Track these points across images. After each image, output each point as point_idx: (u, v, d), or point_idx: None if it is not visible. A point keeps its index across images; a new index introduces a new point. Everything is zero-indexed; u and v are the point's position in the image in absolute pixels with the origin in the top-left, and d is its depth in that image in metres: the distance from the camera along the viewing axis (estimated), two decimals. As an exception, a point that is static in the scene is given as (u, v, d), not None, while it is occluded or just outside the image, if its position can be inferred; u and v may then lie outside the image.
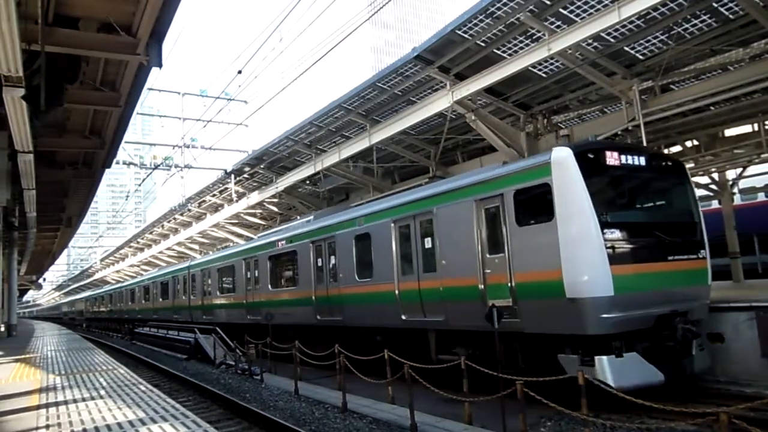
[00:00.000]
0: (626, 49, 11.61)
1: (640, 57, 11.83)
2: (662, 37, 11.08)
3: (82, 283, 73.55)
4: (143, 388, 8.83)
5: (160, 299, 28.89)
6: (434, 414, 8.19)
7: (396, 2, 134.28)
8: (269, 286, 16.79)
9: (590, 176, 8.01)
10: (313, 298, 14.04)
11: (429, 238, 10.41)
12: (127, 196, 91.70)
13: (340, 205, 18.56)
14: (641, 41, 11.36)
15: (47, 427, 6.30)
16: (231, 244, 28.75)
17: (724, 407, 4.72)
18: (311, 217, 15.85)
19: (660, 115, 12.01)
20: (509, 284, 8.60)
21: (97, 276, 64.15)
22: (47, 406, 7.56)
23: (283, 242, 16.02)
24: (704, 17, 10.43)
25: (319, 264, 14.10)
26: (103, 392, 8.58)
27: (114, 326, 40.68)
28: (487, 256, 9.10)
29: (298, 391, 11.12)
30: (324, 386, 11.67)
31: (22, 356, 15.07)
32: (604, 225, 7.84)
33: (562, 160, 8.10)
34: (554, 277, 7.85)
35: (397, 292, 11.10)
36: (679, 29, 10.55)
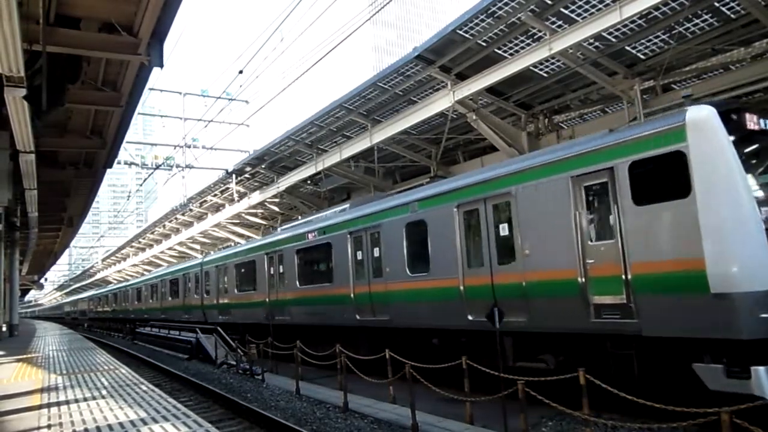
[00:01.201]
0: (627, 48, 11.60)
1: (642, 56, 11.82)
2: (663, 37, 11.07)
3: (83, 283, 73.64)
4: (144, 388, 8.83)
5: (170, 298, 27.60)
6: (436, 414, 8.19)
7: (397, 1, 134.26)
8: (297, 283, 15.09)
9: (737, 141, 6.56)
10: (352, 295, 12.56)
11: (505, 224, 8.92)
12: (129, 196, 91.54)
13: (379, 194, 16.62)
14: (642, 41, 11.35)
15: (49, 426, 6.31)
16: (232, 244, 28.64)
17: (726, 407, 4.71)
18: (346, 206, 14.25)
19: (661, 114, 12.00)
20: (623, 277, 7.17)
21: (98, 276, 64.24)
22: (49, 405, 7.57)
23: (314, 234, 14.36)
24: (705, 16, 10.42)
25: (359, 257, 12.55)
26: (104, 392, 8.58)
27: (118, 326, 39.70)
28: (589, 243, 7.66)
29: (299, 390, 11.12)
30: (325, 386, 11.67)
31: (24, 356, 15.09)
32: (762, 202, 6.41)
33: (703, 121, 6.61)
34: (693, 268, 6.41)
35: (461, 287, 9.54)
36: (681, 29, 10.53)
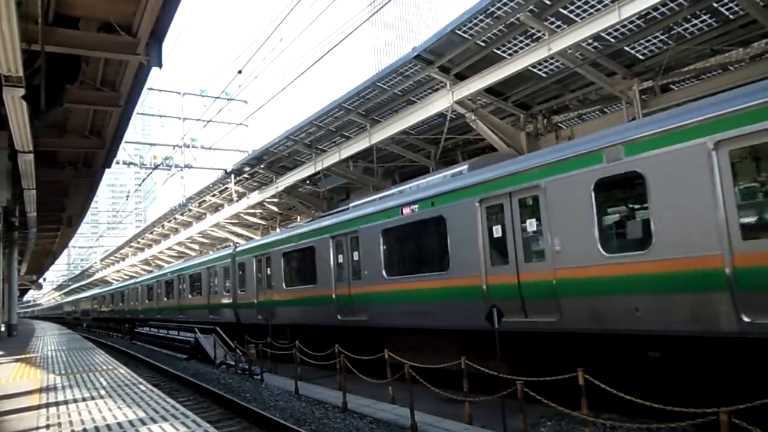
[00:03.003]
0: (626, 48, 11.60)
1: (641, 57, 11.83)
2: (662, 37, 11.08)
3: (83, 282, 73.57)
4: (143, 388, 8.83)
5: (189, 296, 24.32)
6: (435, 414, 8.19)
7: (396, 2, 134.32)
8: (384, 272, 11.55)
9: None
10: (485, 287, 9.05)
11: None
12: (128, 196, 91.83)
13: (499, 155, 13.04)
14: (641, 41, 11.36)
15: (48, 426, 6.30)
16: (231, 244, 28.45)
17: (724, 407, 4.72)
18: (464, 167, 10.71)
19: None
20: None
21: (97, 276, 64.19)
22: (48, 405, 7.56)
23: (414, 207, 10.82)
24: (704, 17, 10.43)
25: (498, 234, 9.04)
26: (103, 392, 8.58)
27: (121, 327, 37.46)
28: None
29: (298, 390, 11.12)
30: (324, 386, 11.68)
31: (23, 356, 15.08)
32: None
33: None
34: None
35: (727, 271, 6.07)
36: (680, 29, 10.55)
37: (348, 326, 12.65)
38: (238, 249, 19.72)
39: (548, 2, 10.73)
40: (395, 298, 11.26)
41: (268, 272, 16.81)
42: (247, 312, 18.15)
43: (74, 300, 67.62)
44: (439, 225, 10.20)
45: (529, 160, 8.86)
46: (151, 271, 38.83)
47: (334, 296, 13.13)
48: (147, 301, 31.67)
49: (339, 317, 12.87)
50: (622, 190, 7.61)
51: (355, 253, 12.55)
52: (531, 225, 8.56)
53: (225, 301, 20.08)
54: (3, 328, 23.96)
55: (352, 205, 13.80)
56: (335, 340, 11.28)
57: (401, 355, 9.16)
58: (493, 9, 11.14)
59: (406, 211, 11.07)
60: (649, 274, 6.89)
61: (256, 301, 17.36)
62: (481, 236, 9.24)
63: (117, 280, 52.64)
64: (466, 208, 9.52)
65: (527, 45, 11.84)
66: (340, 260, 13.11)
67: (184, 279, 25.11)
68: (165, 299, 28.10)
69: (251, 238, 25.90)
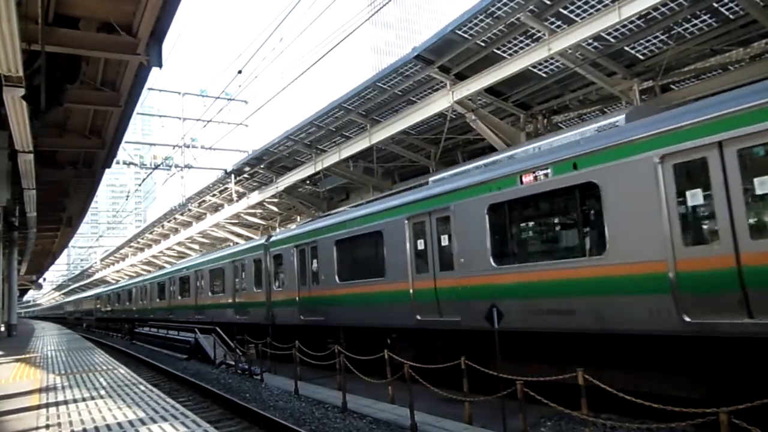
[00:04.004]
0: (626, 48, 11.60)
1: (641, 57, 11.83)
2: (662, 37, 11.08)
3: (83, 282, 73.56)
4: (143, 388, 8.83)
5: (209, 293, 21.67)
6: (434, 414, 8.19)
7: (396, 2, 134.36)
8: (492, 260, 8.93)
9: None
10: (671, 276, 6.53)
11: None
12: (127, 196, 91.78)
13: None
14: (641, 41, 11.36)
15: (47, 426, 6.30)
16: (231, 243, 28.38)
17: (724, 407, 4.72)
18: (618, 118, 8.02)
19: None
20: None
21: (97, 276, 64.20)
22: (47, 405, 7.56)
23: (548, 172, 8.07)
24: (704, 17, 10.43)
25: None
26: (103, 392, 8.58)
27: (126, 328, 34.78)
28: None
29: (298, 390, 11.12)
30: (324, 386, 11.67)
31: (23, 356, 15.08)
32: None
33: None
34: None
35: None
36: (680, 29, 10.55)
37: (431, 329, 10.21)
38: (272, 238, 17.06)
39: (548, 2, 10.73)
40: (513, 293, 8.55)
41: (314, 264, 14.18)
42: (284, 311, 15.61)
43: (76, 299, 66.30)
44: (592, 197, 7.71)
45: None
46: (150, 271, 38.54)
47: (411, 292, 10.51)
48: (158, 300, 29.19)
49: (418, 317, 10.29)
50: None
51: (444, 238, 9.94)
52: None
53: (255, 299, 17.48)
54: (3, 328, 23.97)
55: (432, 179, 11.11)
56: (411, 345, 9.88)
57: (530, 370, 7.51)
58: (493, 9, 11.14)
59: (527, 179, 8.39)
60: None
61: (297, 298, 14.77)
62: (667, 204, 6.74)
63: (117, 280, 52.39)
64: (647, 167, 6.89)
65: (527, 45, 11.84)
66: (421, 246, 10.46)
67: (203, 275, 22.33)
68: (179, 297, 25.53)
69: (251, 238, 25.78)
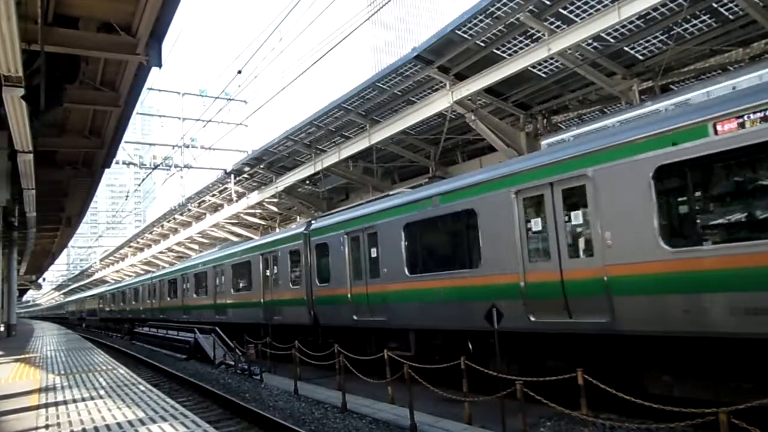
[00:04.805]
0: (626, 49, 11.62)
1: (640, 57, 11.84)
2: (662, 37, 11.09)
3: (83, 282, 73.50)
4: (143, 388, 8.83)
5: (232, 291, 19.05)
6: (434, 414, 8.19)
7: (396, 2, 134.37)
8: (661, 241, 6.66)
9: None
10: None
11: None
12: (127, 196, 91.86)
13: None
14: (641, 41, 11.37)
15: (47, 426, 6.30)
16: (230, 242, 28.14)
17: (724, 407, 4.72)
18: None
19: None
20: None
21: (96, 276, 64.17)
22: (47, 405, 7.56)
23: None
24: (704, 17, 10.45)
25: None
26: (102, 392, 8.58)
27: (126, 328, 33.04)
28: None
29: (297, 390, 11.12)
30: (324, 386, 11.67)
31: (22, 356, 15.08)
32: None
33: None
34: None
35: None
36: (679, 29, 10.56)
37: (553, 332, 8.11)
38: (314, 225, 14.48)
39: (548, 2, 10.74)
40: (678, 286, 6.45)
41: (373, 254, 11.90)
42: (331, 310, 13.41)
43: (78, 299, 64.46)
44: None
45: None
46: (151, 271, 38.26)
47: (522, 285, 8.32)
48: (169, 299, 26.59)
49: (531, 318, 8.19)
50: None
51: (575, 215, 7.73)
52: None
53: (292, 296, 15.03)
54: (2, 328, 23.96)
55: (546, 142, 9.00)
56: (518, 351, 8.48)
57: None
58: (493, 9, 11.15)
59: (723, 128, 6.04)
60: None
61: (349, 295, 12.53)
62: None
63: (120, 279, 52.05)
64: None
65: (527, 45, 11.85)
66: (535, 228, 8.28)
67: (224, 270, 19.70)
68: (195, 296, 22.92)
69: (251, 238, 25.65)
